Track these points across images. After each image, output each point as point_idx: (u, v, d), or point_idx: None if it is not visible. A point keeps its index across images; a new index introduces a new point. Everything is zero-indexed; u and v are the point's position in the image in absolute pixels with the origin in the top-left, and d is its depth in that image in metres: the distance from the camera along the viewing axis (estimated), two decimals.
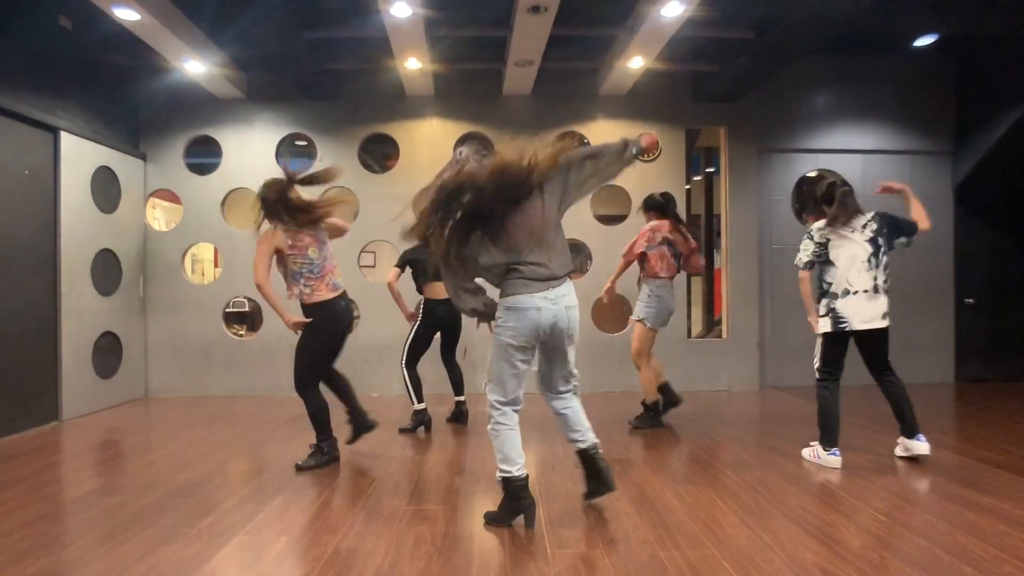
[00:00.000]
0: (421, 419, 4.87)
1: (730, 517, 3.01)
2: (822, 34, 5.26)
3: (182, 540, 2.79)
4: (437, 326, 4.96)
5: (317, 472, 3.84)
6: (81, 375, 5.59)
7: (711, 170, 8.93)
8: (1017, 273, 7.14)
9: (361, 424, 4.17)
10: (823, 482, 3.55)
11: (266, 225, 3.91)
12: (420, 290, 4.99)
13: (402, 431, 4.87)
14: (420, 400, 4.87)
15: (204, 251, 9.69)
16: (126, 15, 4.57)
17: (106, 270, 5.98)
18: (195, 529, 2.93)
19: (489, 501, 3.26)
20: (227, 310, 8.32)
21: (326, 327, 3.92)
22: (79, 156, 5.56)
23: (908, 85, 6.99)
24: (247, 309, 8.88)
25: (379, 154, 7.86)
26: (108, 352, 6.01)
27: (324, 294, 3.89)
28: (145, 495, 3.44)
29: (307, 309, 3.90)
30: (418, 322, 4.93)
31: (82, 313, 5.59)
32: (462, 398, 5.19)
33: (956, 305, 7.10)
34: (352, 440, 4.18)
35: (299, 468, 3.87)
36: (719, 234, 7.20)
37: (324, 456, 3.96)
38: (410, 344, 4.92)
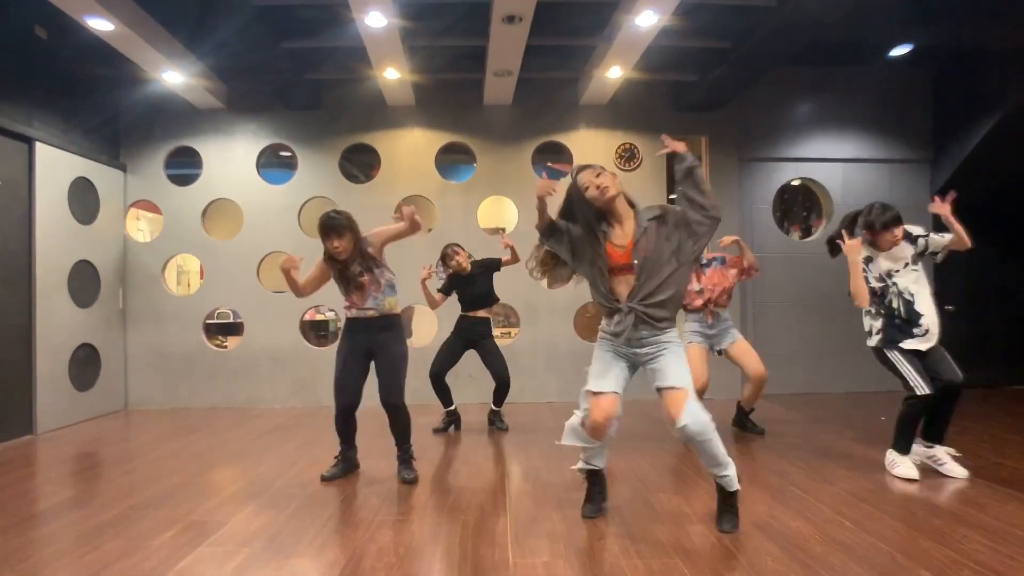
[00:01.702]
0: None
1: (697, 525, 3.00)
2: (796, 44, 5.31)
3: (143, 553, 2.77)
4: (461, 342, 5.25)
5: (288, 484, 3.81)
6: (56, 388, 5.54)
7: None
8: (996, 280, 7.18)
9: (352, 463, 4.04)
10: (795, 490, 3.54)
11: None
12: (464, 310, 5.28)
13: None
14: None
15: (191, 263, 9.65)
16: (100, 25, 4.57)
17: (84, 281, 5.95)
18: (158, 541, 2.90)
19: (460, 511, 3.25)
20: (210, 321, 8.31)
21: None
22: (55, 167, 5.54)
23: (887, 95, 7.04)
24: (232, 320, 8.84)
25: (364, 164, 7.87)
26: (86, 364, 5.96)
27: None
28: (112, 507, 3.40)
29: (393, 318, 3.89)
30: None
31: (58, 325, 5.55)
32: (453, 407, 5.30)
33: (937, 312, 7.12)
34: (333, 478, 3.90)
35: (407, 481, 3.78)
36: None
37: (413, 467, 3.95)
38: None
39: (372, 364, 3.86)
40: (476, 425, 5.43)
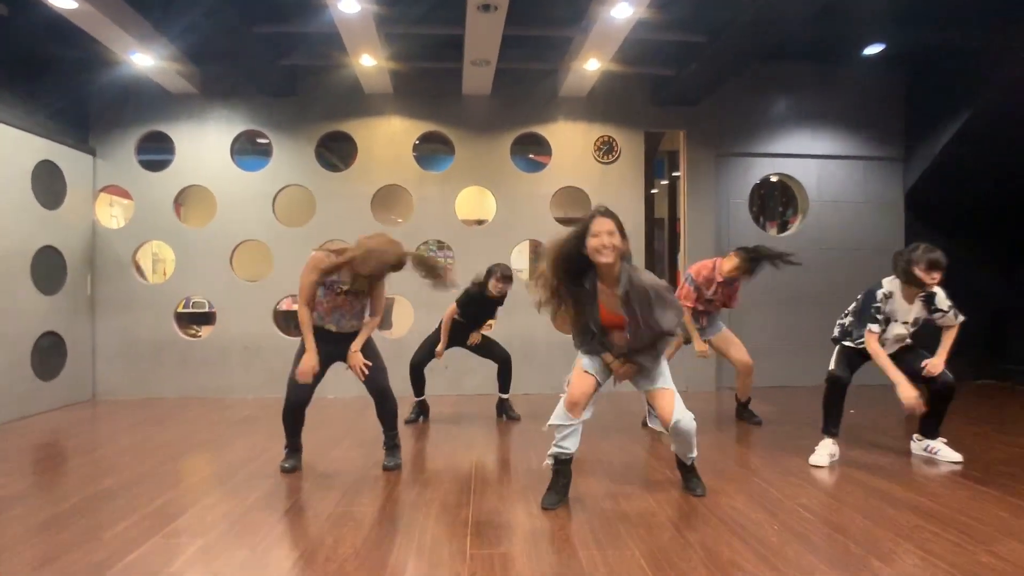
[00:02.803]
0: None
1: (658, 516, 2.99)
2: (769, 40, 5.33)
3: (92, 544, 2.70)
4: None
5: (252, 474, 3.75)
6: (18, 377, 5.42)
7: (677, 174, 8.98)
8: (965, 279, 7.20)
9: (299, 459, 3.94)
10: (758, 481, 3.55)
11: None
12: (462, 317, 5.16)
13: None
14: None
15: (167, 251, 9.49)
16: (62, 3, 4.43)
17: (49, 268, 5.82)
18: (111, 532, 2.84)
19: (423, 502, 3.22)
20: (186, 310, 8.21)
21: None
22: (17, 149, 5.40)
23: (861, 93, 7.07)
24: (208, 310, 8.72)
25: (344, 152, 7.78)
26: (50, 353, 5.85)
27: None
28: (68, 498, 3.33)
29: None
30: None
31: (19, 312, 5.42)
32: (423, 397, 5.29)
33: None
34: (294, 468, 3.82)
35: (388, 468, 3.79)
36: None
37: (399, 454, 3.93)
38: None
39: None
40: (447, 416, 5.41)
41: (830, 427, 3.98)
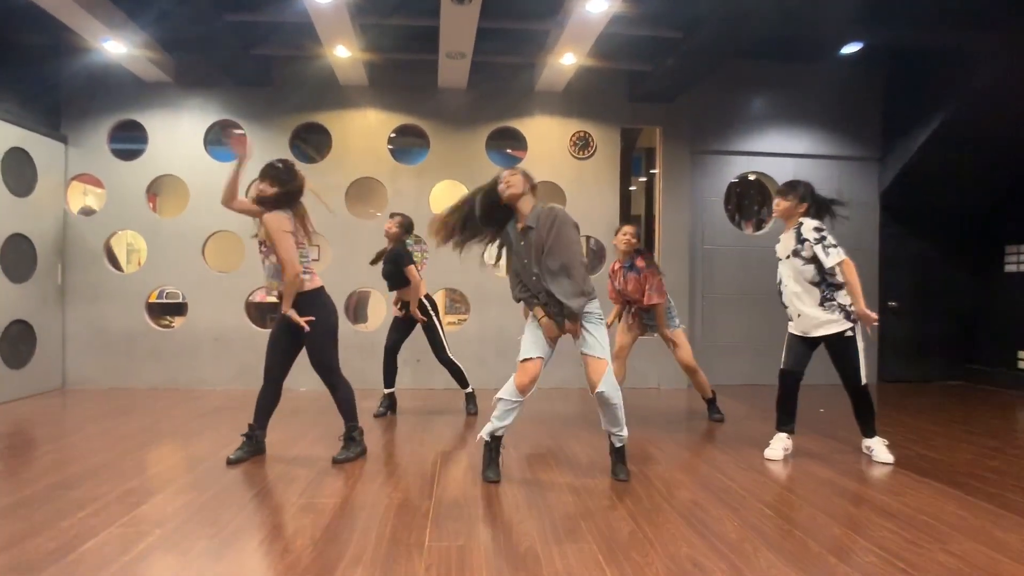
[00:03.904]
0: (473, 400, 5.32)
1: (619, 511, 3.01)
2: (744, 36, 5.34)
3: (49, 533, 2.68)
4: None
5: (215, 465, 3.73)
6: None
7: (655, 172, 9.01)
8: (938, 279, 7.35)
9: (259, 445, 3.91)
10: (721, 477, 3.58)
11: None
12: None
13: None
14: (465, 385, 5.29)
15: (142, 241, 9.37)
16: None
17: (18, 256, 5.74)
18: (67, 522, 2.81)
19: (385, 495, 3.22)
20: (160, 300, 8.12)
21: (331, 310, 3.84)
22: None
23: (838, 92, 7.13)
24: (181, 300, 8.63)
25: (322, 144, 7.71)
26: (19, 341, 5.77)
27: (318, 281, 3.80)
28: (27, 487, 3.30)
29: (309, 296, 3.72)
30: (434, 317, 5.13)
31: None
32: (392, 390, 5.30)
33: (880, 309, 7.28)
34: (240, 460, 3.77)
35: (337, 461, 3.75)
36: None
37: (359, 446, 3.89)
38: (443, 335, 5.17)
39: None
40: (416, 409, 5.42)
41: (783, 424, 4.01)
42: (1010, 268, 7.05)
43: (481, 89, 6.63)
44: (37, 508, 2.98)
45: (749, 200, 8.55)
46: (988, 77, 5.91)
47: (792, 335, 4.00)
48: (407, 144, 7.71)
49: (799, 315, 3.90)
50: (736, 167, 7.17)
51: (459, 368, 5.22)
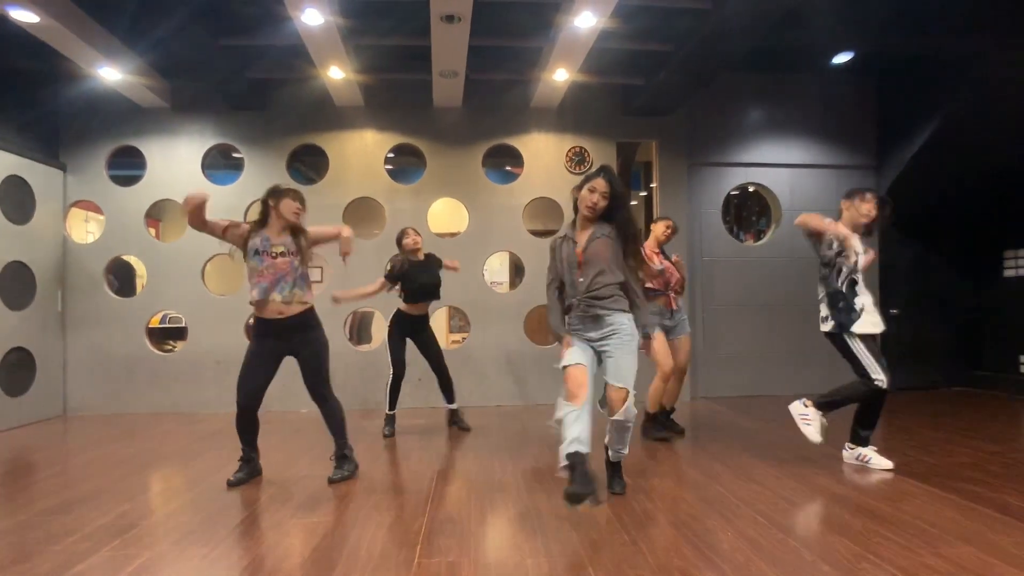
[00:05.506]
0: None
1: (613, 523, 2.98)
2: (735, 49, 5.37)
3: (40, 557, 2.67)
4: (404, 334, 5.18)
5: (211, 487, 3.72)
6: None
7: (654, 186, 9.03)
8: (938, 285, 7.31)
9: (257, 466, 3.92)
10: (719, 489, 3.54)
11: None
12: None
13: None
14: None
15: (142, 266, 9.42)
16: (23, 17, 4.43)
17: (17, 283, 5.78)
18: (59, 546, 2.80)
19: (378, 513, 3.20)
20: (163, 325, 8.14)
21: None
22: None
23: (833, 101, 7.14)
24: (183, 324, 8.65)
25: (320, 166, 7.76)
26: (19, 368, 5.78)
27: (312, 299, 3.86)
28: (22, 512, 3.30)
29: (310, 312, 3.80)
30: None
31: None
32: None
33: (881, 316, 7.22)
34: (240, 483, 3.77)
35: (332, 481, 3.73)
36: None
37: (351, 463, 3.88)
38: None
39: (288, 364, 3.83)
40: (413, 428, 5.39)
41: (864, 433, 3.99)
42: (1009, 273, 7.01)
43: (476, 107, 6.68)
44: (30, 531, 2.98)
45: (747, 212, 8.54)
46: (983, 81, 5.91)
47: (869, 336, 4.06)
48: (404, 163, 7.75)
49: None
50: (733, 179, 7.17)
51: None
